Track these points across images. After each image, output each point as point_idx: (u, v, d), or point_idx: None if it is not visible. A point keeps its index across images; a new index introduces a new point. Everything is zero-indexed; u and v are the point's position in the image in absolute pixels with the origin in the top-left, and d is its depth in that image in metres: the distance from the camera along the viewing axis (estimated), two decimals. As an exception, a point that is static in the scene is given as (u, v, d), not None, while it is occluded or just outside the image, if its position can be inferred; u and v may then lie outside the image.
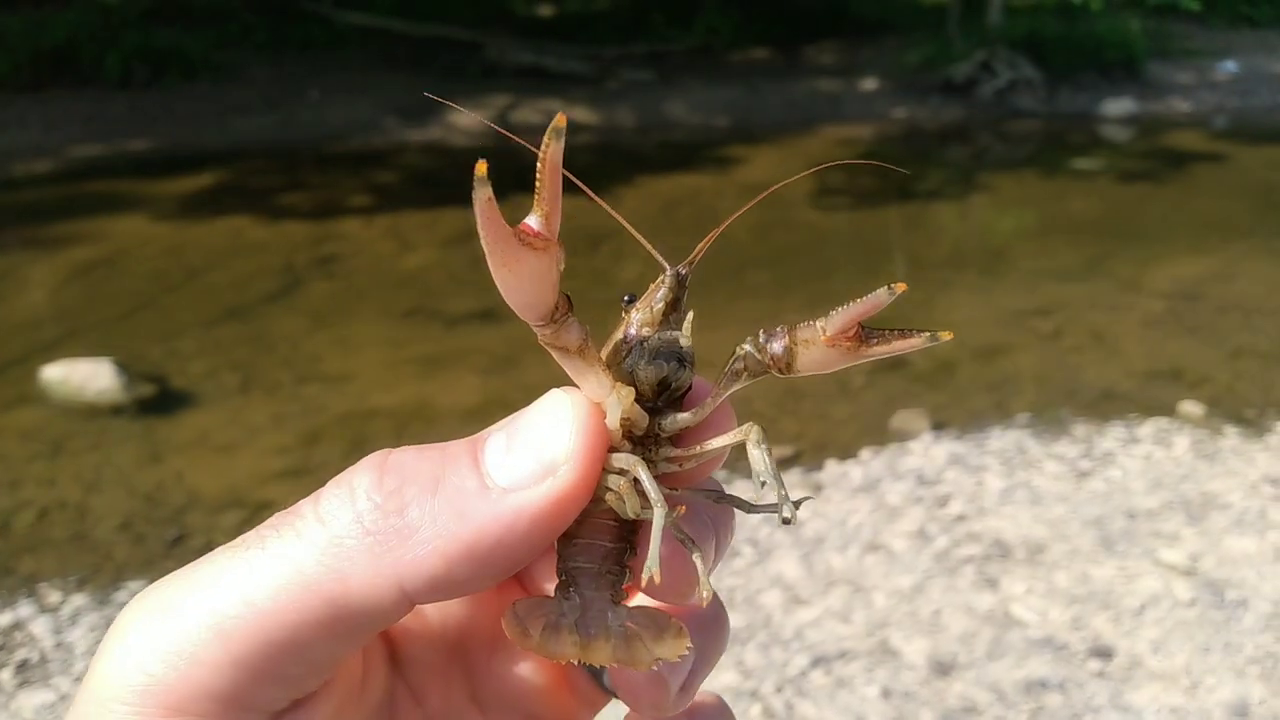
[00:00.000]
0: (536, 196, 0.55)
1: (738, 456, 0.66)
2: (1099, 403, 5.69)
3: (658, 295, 0.66)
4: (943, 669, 3.56)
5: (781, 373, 0.64)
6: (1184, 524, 4.41)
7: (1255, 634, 3.67)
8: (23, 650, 3.75)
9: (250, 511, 4.61)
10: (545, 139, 0.52)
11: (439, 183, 10.81)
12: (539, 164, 0.53)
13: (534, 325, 0.60)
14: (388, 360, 6.11)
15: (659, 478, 0.63)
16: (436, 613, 0.69)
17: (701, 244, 0.68)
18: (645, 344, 0.64)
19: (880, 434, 5.36)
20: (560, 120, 0.52)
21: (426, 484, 0.56)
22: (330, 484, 0.58)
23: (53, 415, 5.48)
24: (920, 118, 14.04)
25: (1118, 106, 14.30)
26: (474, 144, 12.63)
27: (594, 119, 13.61)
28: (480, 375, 5.91)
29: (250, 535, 0.57)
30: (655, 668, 0.63)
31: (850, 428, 5.45)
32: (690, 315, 0.68)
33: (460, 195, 9.66)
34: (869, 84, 15.01)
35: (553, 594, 0.67)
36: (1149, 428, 5.33)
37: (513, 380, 5.77)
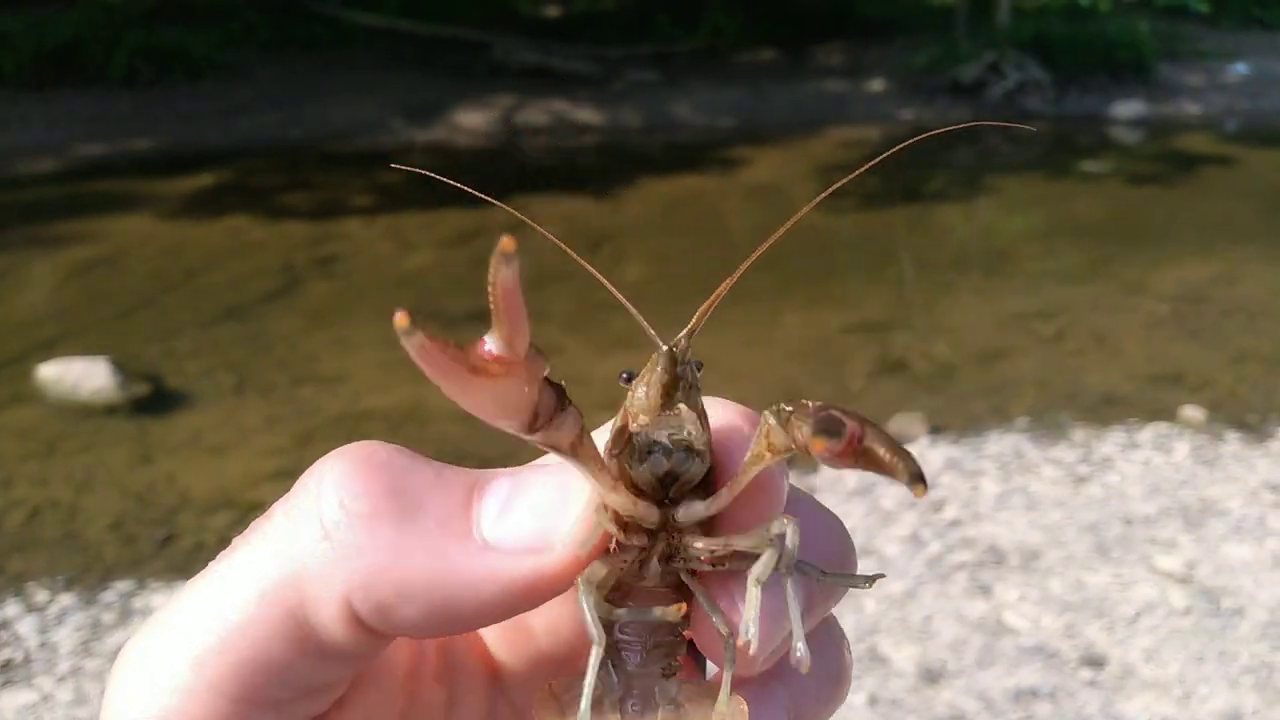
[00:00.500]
0: (494, 318, 0.47)
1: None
2: (1099, 407, 5.65)
3: (652, 378, 0.59)
4: (931, 677, 3.52)
5: (808, 456, 0.55)
6: (1181, 531, 4.36)
7: (1250, 643, 3.63)
8: (7, 650, 3.74)
9: (241, 513, 4.60)
10: (493, 265, 0.45)
11: (442, 185, 10.80)
12: (490, 288, 0.46)
13: (514, 435, 0.54)
14: (384, 361, 6.09)
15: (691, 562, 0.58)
16: (546, 635, 0.63)
17: (703, 308, 0.60)
18: (635, 439, 0.58)
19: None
20: (507, 245, 0.45)
21: (408, 501, 0.50)
22: (303, 476, 0.52)
23: (47, 414, 5.48)
24: (927, 119, 13.99)
25: (1127, 108, 14.22)
26: (478, 144, 12.64)
27: (599, 119, 13.59)
28: (477, 377, 5.89)
29: (230, 545, 0.52)
30: None
31: (847, 431, 5.42)
32: (700, 373, 0.60)
33: (463, 196, 9.67)
34: (875, 85, 14.97)
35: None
36: (1149, 432, 5.28)
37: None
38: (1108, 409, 5.62)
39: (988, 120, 13.95)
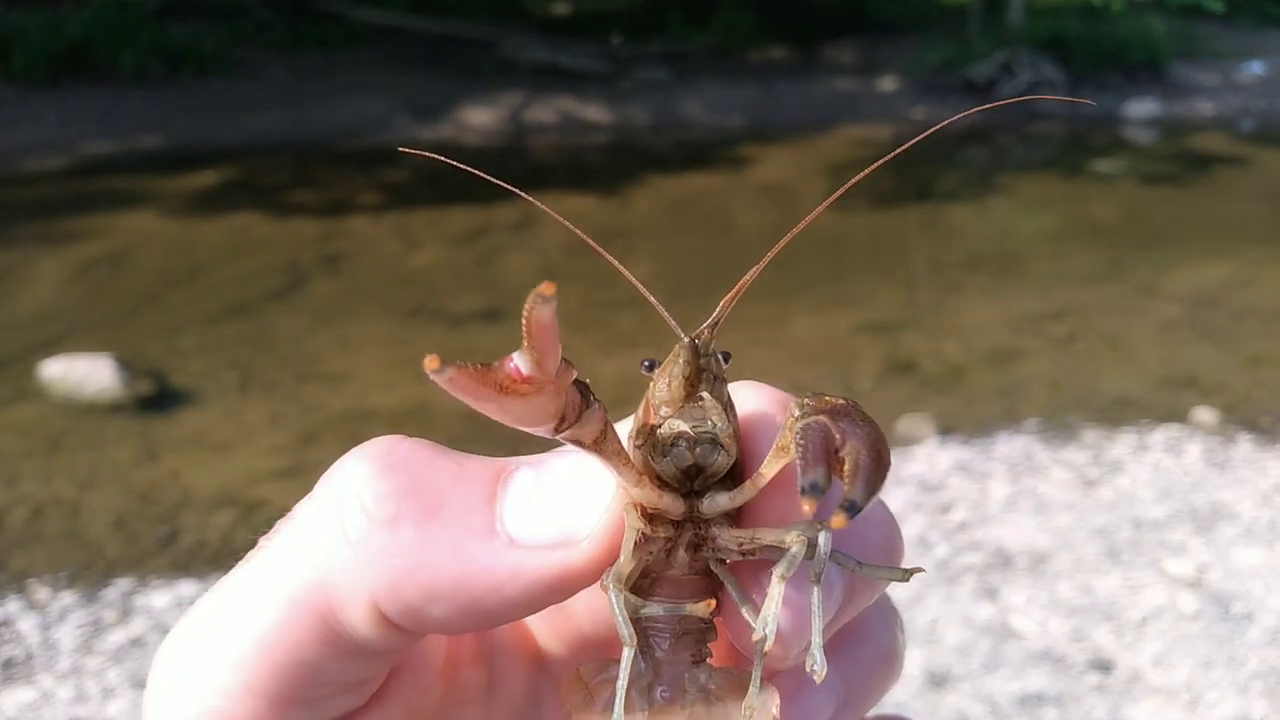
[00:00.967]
0: (526, 343, 0.47)
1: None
2: (1110, 409, 5.59)
3: (674, 370, 0.58)
4: (937, 680, 3.48)
5: None
6: (1192, 534, 4.31)
7: (1260, 648, 3.58)
8: (8, 647, 3.73)
9: (244, 510, 4.60)
10: (529, 303, 0.45)
11: (449, 181, 10.80)
12: (524, 321, 0.46)
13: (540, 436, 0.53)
14: (388, 360, 6.08)
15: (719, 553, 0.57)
16: (586, 615, 0.63)
17: (726, 299, 0.59)
18: (658, 432, 0.57)
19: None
20: (546, 289, 0.44)
21: (428, 502, 0.49)
22: (326, 473, 0.51)
23: (51, 411, 5.48)
24: (939, 119, 13.83)
25: (1141, 108, 14.13)
26: (487, 142, 12.63)
27: (608, 118, 13.57)
28: (482, 375, 5.87)
29: (256, 546, 0.52)
30: None
31: (855, 432, 5.39)
32: (728, 365, 0.59)
33: (470, 193, 9.68)
34: (888, 84, 14.91)
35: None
36: (1160, 435, 5.23)
37: (514, 381, 5.72)
38: (1119, 411, 5.57)
39: (1004, 119, 13.88)
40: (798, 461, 0.48)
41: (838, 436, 0.49)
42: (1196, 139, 13.21)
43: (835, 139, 12.87)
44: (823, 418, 0.50)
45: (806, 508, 0.46)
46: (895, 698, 3.41)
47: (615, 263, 0.59)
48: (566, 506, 0.51)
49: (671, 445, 0.56)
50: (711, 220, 9.48)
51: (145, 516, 4.58)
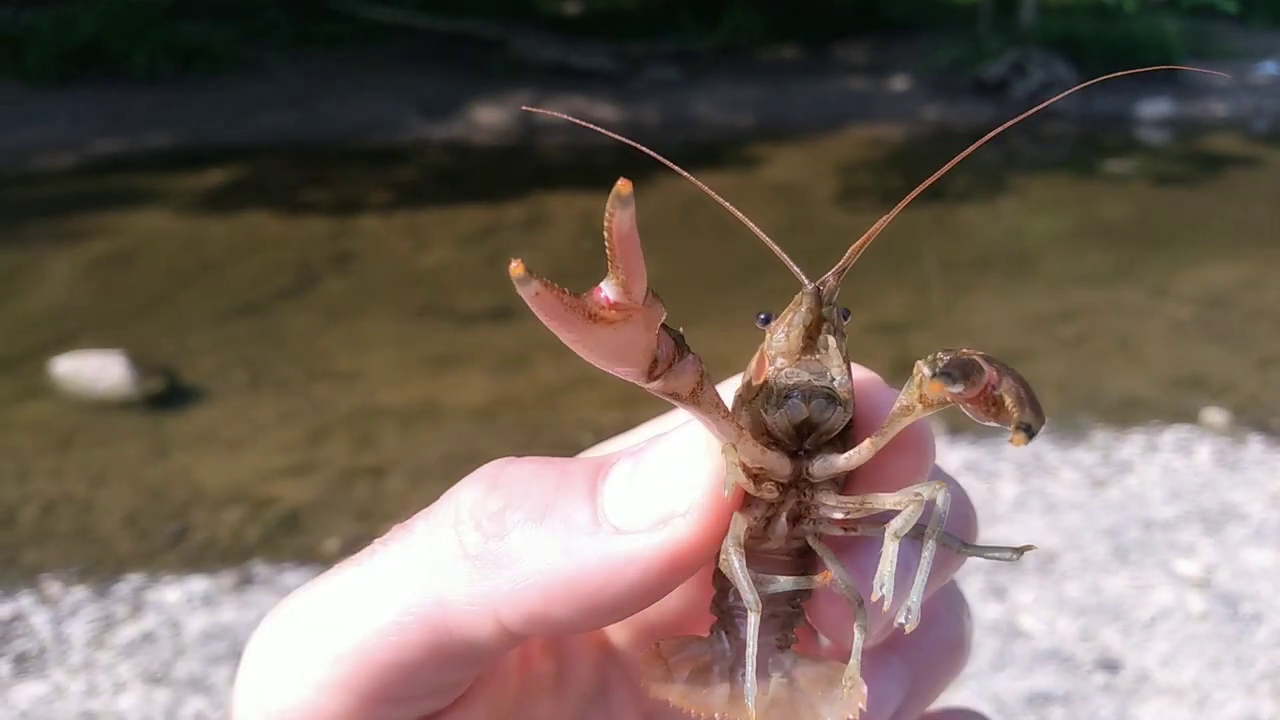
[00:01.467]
0: (610, 264, 0.47)
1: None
2: (1120, 410, 5.58)
3: (794, 318, 0.56)
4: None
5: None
6: (1201, 535, 4.30)
7: (1269, 649, 3.57)
8: (21, 641, 3.76)
9: (252, 507, 4.62)
10: (609, 208, 0.45)
11: (460, 180, 10.82)
12: (605, 233, 0.45)
13: (634, 382, 0.52)
14: (398, 358, 6.10)
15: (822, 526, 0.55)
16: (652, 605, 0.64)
17: (856, 245, 0.58)
18: (773, 382, 0.55)
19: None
20: (623, 188, 0.44)
21: (535, 509, 0.51)
22: (441, 498, 0.53)
23: (63, 409, 5.51)
24: (951, 119, 13.88)
25: (1153, 108, 14.06)
26: (497, 141, 12.64)
27: (618, 117, 13.56)
28: (490, 374, 5.88)
29: (368, 549, 0.54)
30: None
31: (863, 433, 5.39)
32: (848, 321, 0.57)
33: (480, 192, 9.69)
34: (899, 84, 14.87)
35: (708, 633, 0.58)
36: (1170, 436, 5.21)
37: (524, 379, 5.73)
38: (1129, 412, 5.55)
39: (1017, 115, 13.81)
40: (1012, 402, 0.47)
41: (995, 373, 0.48)
42: (1209, 139, 13.15)
43: (846, 139, 12.85)
44: (979, 361, 0.48)
45: (1019, 443, 0.46)
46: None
47: (735, 211, 0.58)
48: (665, 486, 0.51)
49: (786, 397, 0.54)
50: (721, 220, 9.45)
51: (156, 513, 4.61)
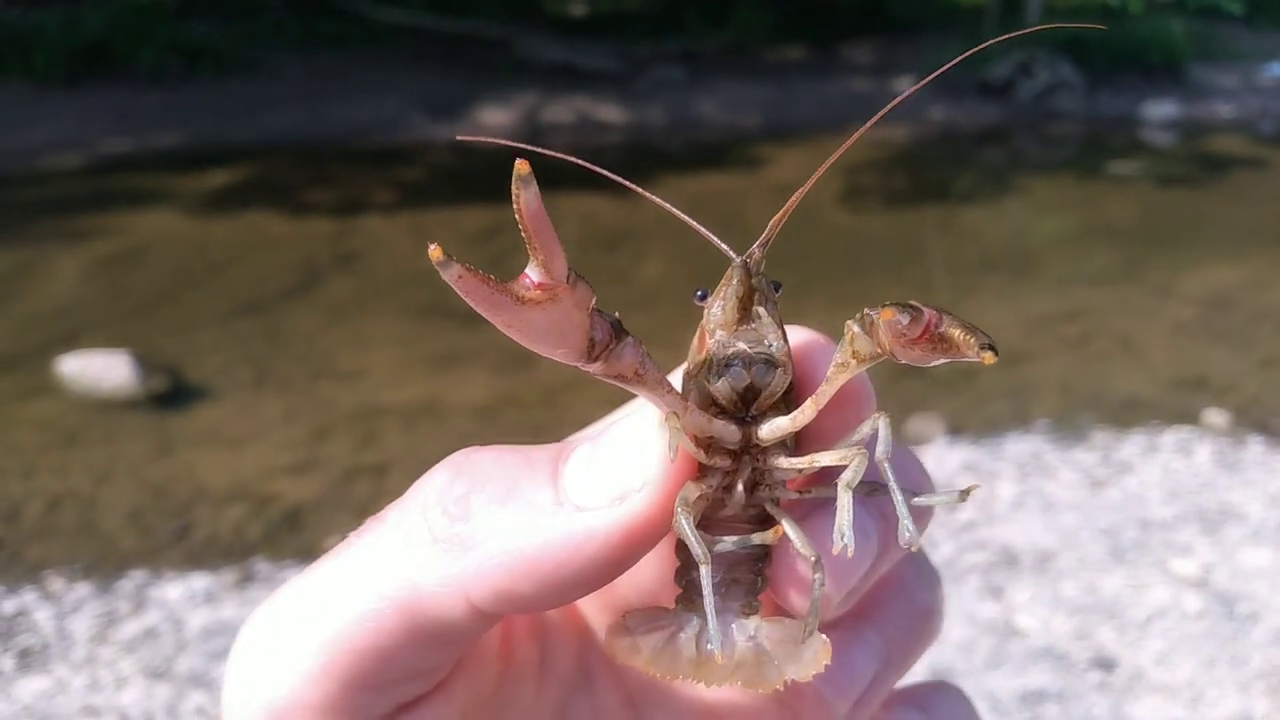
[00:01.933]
0: (528, 245, 0.50)
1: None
2: (1121, 410, 5.59)
3: (727, 292, 0.59)
4: (938, 676, 3.49)
5: (894, 359, 0.55)
6: (1199, 535, 4.31)
7: (1264, 648, 3.58)
8: (24, 636, 3.79)
9: (256, 505, 4.64)
10: (513, 190, 0.48)
11: (464, 180, 10.84)
12: (516, 214, 0.48)
13: (573, 366, 0.55)
14: (401, 357, 6.13)
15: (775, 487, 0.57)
16: (629, 587, 0.66)
17: (776, 218, 0.60)
18: (713, 353, 0.58)
19: (895, 439, 5.29)
20: (521, 167, 0.47)
21: (498, 492, 0.53)
22: (412, 485, 0.56)
23: (68, 406, 5.55)
24: (957, 119, 13.88)
25: (1159, 110, 14.05)
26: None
27: (624, 117, 13.59)
28: (492, 373, 5.91)
29: (343, 542, 0.56)
30: (782, 688, 0.56)
31: (862, 432, 5.40)
32: (779, 293, 0.60)
33: (484, 192, 9.70)
34: (904, 84, 14.86)
35: (673, 605, 0.60)
36: (1170, 437, 5.22)
37: (525, 378, 5.76)
38: (1130, 413, 5.56)
39: (1021, 120, 13.83)
40: (960, 332, 0.49)
41: (934, 313, 0.50)
42: (1215, 141, 13.13)
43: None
44: (914, 310, 0.51)
45: (989, 360, 0.49)
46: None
47: (653, 196, 0.60)
48: (621, 465, 0.53)
49: (727, 365, 0.57)
50: (726, 220, 9.48)
51: (159, 510, 4.64)
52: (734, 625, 0.58)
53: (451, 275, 0.48)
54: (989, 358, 0.49)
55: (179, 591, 4.00)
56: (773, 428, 0.57)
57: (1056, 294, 7.53)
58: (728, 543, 0.57)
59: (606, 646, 0.60)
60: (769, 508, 0.58)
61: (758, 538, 0.57)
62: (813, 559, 0.54)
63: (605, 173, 0.60)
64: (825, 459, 0.56)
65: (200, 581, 4.06)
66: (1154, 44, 14.76)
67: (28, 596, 4.01)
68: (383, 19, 15.36)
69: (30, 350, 6.22)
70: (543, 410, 5.39)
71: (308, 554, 4.27)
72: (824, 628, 0.57)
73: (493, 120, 13.00)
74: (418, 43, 15.16)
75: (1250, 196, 10.81)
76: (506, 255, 8.32)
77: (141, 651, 3.66)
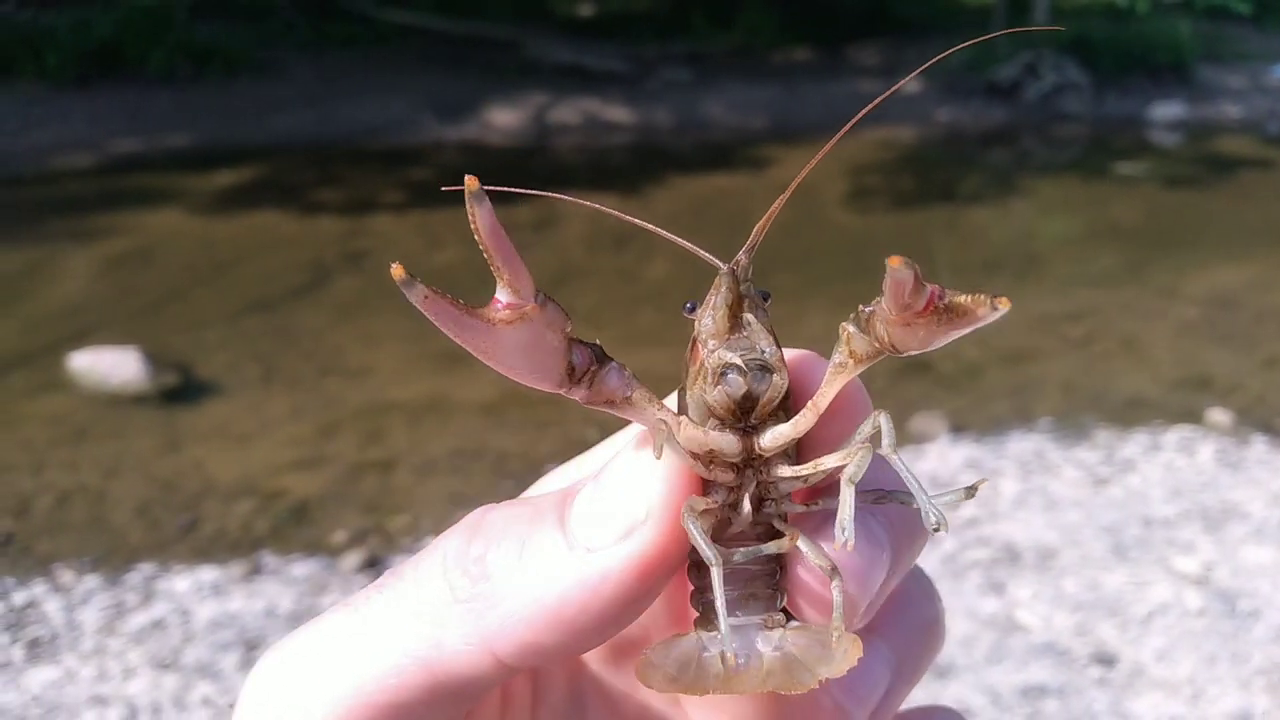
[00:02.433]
0: (491, 266, 0.50)
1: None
2: (1124, 410, 5.60)
3: (716, 300, 0.58)
4: (939, 672, 3.52)
5: (898, 353, 0.54)
6: (1201, 533, 4.32)
7: (1265, 645, 3.59)
8: (34, 627, 3.83)
9: (263, 500, 4.68)
10: (469, 211, 0.47)
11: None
12: (476, 237, 0.48)
13: (556, 393, 0.55)
14: (408, 355, 6.16)
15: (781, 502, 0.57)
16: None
17: (760, 224, 0.59)
18: (707, 363, 0.57)
19: (897, 436, 5.31)
20: (472, 184, 0.47)
21: (512, 547, 0.53)
22: (430, 545, 0.56)
23: (78, 402, 5.59)
24: (963, 120, 13.89)
25: (1166, 111, 14.04)
26: (511, 142, 12.71)
27: (631, 118, 13.62)
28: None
29: (360, 595, 0.57)
30: (817, 686, 0.56)
31: (866, 430, 5.41)
32: (769, 303, 0.60)
33: (492, 193, 9.69)
34: (910, 85, 14.86)
35: (691, 629, 0.59)
36: (1173, 435, 5.23)
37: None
38: (1133, 412, 5.57)
39: (1027, 121, 13.81)
40: (965, 297, 0.49)
41: (935, 287, 0.50)
42: (1222, 142, 13.11)
43: (858, 140, 12.85)
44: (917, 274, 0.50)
45: (1006, 305, 0.48)
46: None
47: (623, 215, 0.61)
48: (624, 499, 0.53)
49: (722, 374, 0.56)
50: (733, 220, 9.50)
51: (168, 504, 4.67)
52: (758, 638, 0.57)
53: (416, 296, 0.48)
54: (1004, 303, 0.48)
55: (187, 584, 4.04)
56: (775, 435, 0.56)
57: (1061, 294, 7.54)
58: (738, 554, 0.57)
59: (646, 686, 0.58)
60: (777, 523, 0.58)
61: (769, 547, 0.57)
62: (827, 567, 0.54)
63: (585, 202, 0.61)
64: (830, 461, 0.55)
65: (208, 574, 4.09)
66: (1161, 45, 14.75)
67: (38, 588, 4.05)
68: (391, 20, 15.42)
69: (41, 348, 6.27)
70: (548, 409, 5.42)
71: (314, 548, 4.31)
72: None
73: (501, 121, 13.04)
74: (426, 44, 15.21)
75: (1257, 197, 10.80)
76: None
77: (149, 643, 3.70)
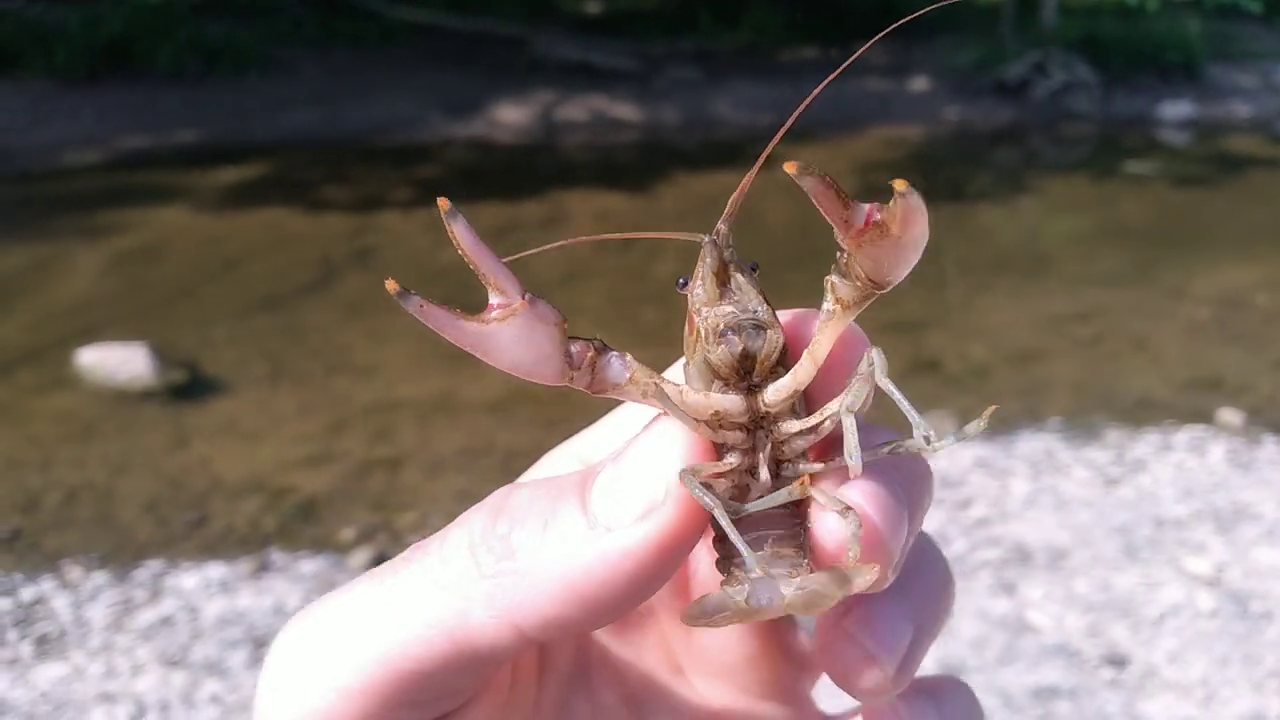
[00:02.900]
0: (479, 276, 0.54)
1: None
2: (1134, 410, 5.57)
3: (704, 270, 0.61)
4: (950, 672, 3.50)
5: (880, 288, 0.56)
6: (1212, 533, 4.30)
7: (1277, 647, 3.57)
8: (43, 624, 3.83)
9: (270, 497, 4.68)
10: (447, 228, 0.51)
11: (480, 178, 10.89)
12: (459, 251, 0.51)
13: (560, 384, 0.57)
14: (416, 353, 6.16)
15: (791, 461, 0.58)
16: None
17: (737, 192, 0.62)
18: (703, 327, 0.60)
19: (905, 436, 5.29)
20: (444, 204, 0.51)
21: (535, 525, 0.55)
22: (455, 522, 0.58)
23: (86, 398, 5.60)
24: (971, 119, 13.85)
25: (1175, 110, 13.98)
26: (518, 140, 12.70)
27: (639, 116, 13.61)
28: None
29: (386, 566, 0.58)
30: (838, 600, 0.56)
31: (874, 429, 5.41)
32: (756, 272, 0.62)
33: (502, 189, 9.75)
34: (919, 84, 14.85)
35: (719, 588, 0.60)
36: (1184, 436, 5.21)
37: (539, 374, 5.78)
38: (1143, 412, 5.54)
39: (1036, 120, 13.78)
40: (890, 207, 0.52)
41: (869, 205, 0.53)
42: (1231, 141, 13.07)
43: (866, 139, 12.84)
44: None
45: (901, 187, 0.50)
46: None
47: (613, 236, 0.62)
48: (643, 479, 0.55)
49: (720, 335, 0.58)
50: (740, 218, 9.48)
51: (175, 501, 4.68)
52: (782, 584, 0.58)
53: (413, 307, 0.52)
54: (901, 184, 0.50)
55: (195, 581, 4.04)
56: (776, 388, 0.58)
57: (1070, 294, 7.51)
58: (760, 502, 0.58)
59: (701, 633, 0.61)
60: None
61: (780, 494, 0.58)
62: (840, 508, 0.55)
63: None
64: (834, 406, 0.57)
65: (216, 571, 4.09)
66: (1170, 43, 14.69)
67: (46, 585, 4.06)
68: (400, 18, 15.42)
69: (49, 344, 6.28)
70: (556, 406, 5.41)
71: (322, 545, 4.30)
72: (858, 600, 0.59)
73: (509, 118, 13.04)
74: (434, 41, 15.21)
75: (1266, 196, 10.75)
76: (520, 253, 8.35)
77: (157, 639, 3.70)
